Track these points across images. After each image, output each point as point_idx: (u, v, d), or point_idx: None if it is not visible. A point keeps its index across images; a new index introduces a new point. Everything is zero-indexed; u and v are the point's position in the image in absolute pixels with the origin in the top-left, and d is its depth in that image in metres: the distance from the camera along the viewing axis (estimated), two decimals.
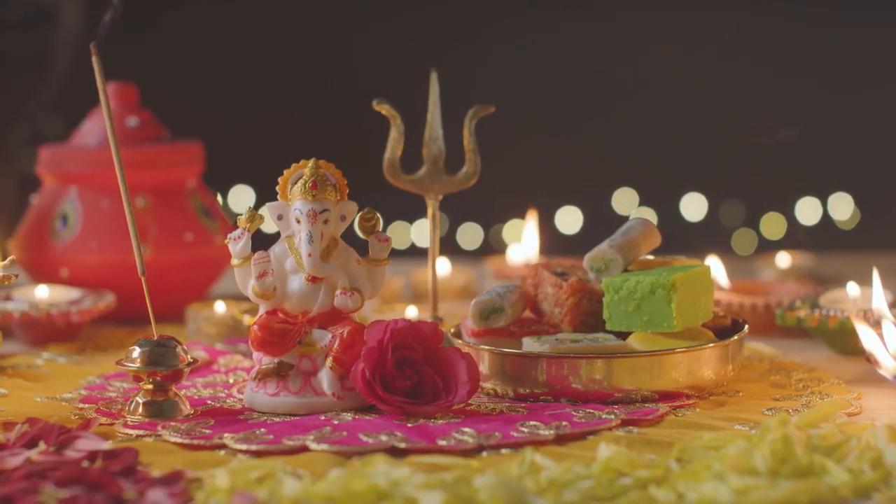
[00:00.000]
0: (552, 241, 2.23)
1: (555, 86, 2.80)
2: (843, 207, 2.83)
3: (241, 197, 2.79)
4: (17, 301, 1.65)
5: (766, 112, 2.82)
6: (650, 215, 2.84)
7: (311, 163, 1.34)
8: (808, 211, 2.83)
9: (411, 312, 1.66)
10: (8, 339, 1.62)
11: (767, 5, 2.80)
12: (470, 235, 2.83)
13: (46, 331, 1.64)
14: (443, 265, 1.93)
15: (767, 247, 2.73)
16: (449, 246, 2.70)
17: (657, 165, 2.85)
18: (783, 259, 1.99)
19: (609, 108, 2.83)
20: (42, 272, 1.76)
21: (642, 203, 2.88)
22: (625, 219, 2.84)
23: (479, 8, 2.82)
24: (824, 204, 2.84)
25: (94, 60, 1.37)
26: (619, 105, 2.84)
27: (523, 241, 2.00)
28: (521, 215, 2.81)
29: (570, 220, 2.83)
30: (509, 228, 2.82)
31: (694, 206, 2.86)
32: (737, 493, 1.08)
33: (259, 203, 2.73)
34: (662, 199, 2.87)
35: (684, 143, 2.84)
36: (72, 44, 2.73)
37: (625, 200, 2.88)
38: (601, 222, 2.83)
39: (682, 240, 2.15)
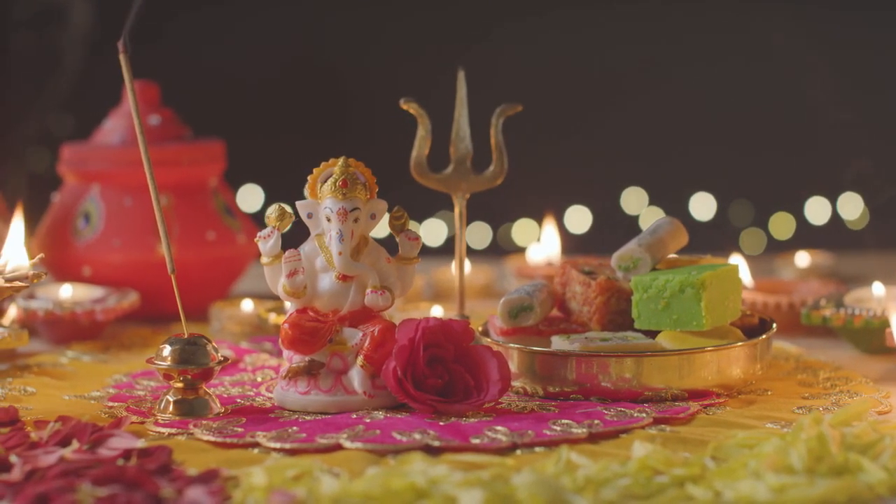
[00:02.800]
0: (562, 241, 2.23)
1: (564, 86, 2.80)
2: (852, 207, 2.83)
3: (249, 196, 2.79)
4: (41, 300, 1.65)
5: (773, 112, 2.83)
6: (659, 215, 2.85)
7: (340, 161, 1.34)
8: (817, 211, 2.83)
9: (436, 311, 1.66)
10: (32, 338, 1.61)
11: (776, 6, 2.80)
12: (479, 235, 2.83)
13: (70, 329, 1.64)
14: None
15: (776, 247, 2.73)
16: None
17: (666, 165, 2.85)
18: (802, 258, 1.99)
19: (618, 108, 2.84)
20: (64, 271, 1.76)
21: (651, 202, 2.88)
22: (634, 218, 2.86)
23: (488, 10, 2.82)
24: (833, 204, 2.84)
25: (122, 59, 1.37)
26: (628, 105, 2.84)
27: (543, 241, 2.00)
28: (530, 215, 2.82)
29: (579, 219, 2.83)
30: (519, 228, 2.82)
31: (703, 206, 2.86)
32: (775, 491, 1.08)
33: (267, 202, 2.75)
34: (671, 198, 2.87)
35: (693, 142, 2.85)
36: (81, 43, 2.73)
37: (634, 200, 2.88)
38: (610, 222, 2.84)
39: (690, 239, 2.15)
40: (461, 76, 1.49)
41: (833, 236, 2.76)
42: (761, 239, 2.87)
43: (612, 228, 2.83)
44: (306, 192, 1.35)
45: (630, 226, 2.85)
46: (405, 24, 2.82)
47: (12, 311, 1.61)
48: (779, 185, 2.85)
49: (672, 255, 1.48)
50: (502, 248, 2.77)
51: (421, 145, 1.49)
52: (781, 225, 2.86)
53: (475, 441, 1.22)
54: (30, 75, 2.78)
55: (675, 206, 2.84)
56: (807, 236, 2.78)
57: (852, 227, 2.82)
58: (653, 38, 2.83)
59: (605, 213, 2.85)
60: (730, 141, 2.85)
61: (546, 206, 2.35)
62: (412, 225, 1.38)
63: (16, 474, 1.13)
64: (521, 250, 2.61)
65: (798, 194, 2.84)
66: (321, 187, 1.34)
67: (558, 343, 1.37)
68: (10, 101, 2.78)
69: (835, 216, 2.84)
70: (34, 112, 2.77)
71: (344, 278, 1.33)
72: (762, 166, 2.84)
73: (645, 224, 2.83)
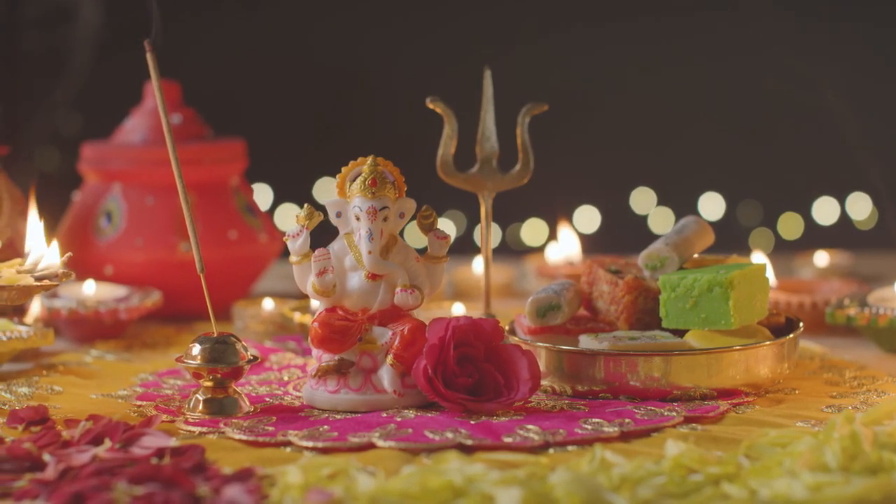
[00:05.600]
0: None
1: (573, 86, 2.81)
2: (861, 207, 2.83)
3: (258, 196, 2.79)
4: (65, 298, 1.65)
5: (781, 112, 2.83)
6: (668, 215, 2.85)
7: (369, 160, 1.34)
8: (825, 211, 2.84)
9: (458, 309, 1.66)
10: (55, 337, 1.61)
11: (784, 6, 2.81)
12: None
13: (94, 328, 1.64)
14: (481, 263, 1.93)
15: (784, 247, 2.74)
16: (467, 245, 2.71)
17: (675, 165, 2.85)
18: (821, 258, 2.00)
19: (627, 109, 2.84)
20: (86, 269, 1.76)
21: (660, 203, 2.88)
22: (643, 218, 2.86)
23: (506, 11, 2.82)
24: (842, 204, 2.84)
25: (149, 58, 1.37)
26: (637, 105, 2.84)
27: (561, 240, 2.00)
28: (540, 215, 2.82)
29: (588, 219, 2.83)
30: (528, 228, 2.83)
31: (712, 206, 2.87)
32: (811, 489, 1.08)
33: (277, 202, 2.74)
34: (680, 198, 2.88)
35: (702, 142, 2.85)
36: (90, 43, 2.73)
37: (643, 200, 2.88)
38: (619, 222, 2.84)
39: None
40: (487, 75, 1.49)
41: (842, 236, 2.76)
42: (770, 239, 2.88)
43: (621, 228, 2.83)
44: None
45: (639, 226, 2.86)
46: (430, 23, 2.82)
47: (35, 310, 1.61)
48: (787, 185, 2.85)
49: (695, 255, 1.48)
50: (511, 248, 2.77)
51: (446, 144, 1.49)
52: (790, 225, 2.87)
53: (507, 440, 1.22)
54: (39, 74, 2.78)
55: (683, 206, 2.84)
56: (815, 236, 2.78)
57: (861, 227, 2.83)
58: (662, 39, 2.83)
59: (614, 213, 2.86)
60: (738, 141, 2.85)
61: (555, 206, 2.35)
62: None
63: (49, 473, 1.13)
64: (531, 250, 2.62)
65: (807, 194, 2.85)
66: (350, 186, 1.34)
67: (586, 342, 1.37)
68: (20, 100, 2.77)
69: (843, 216, 2.84)
70: (43, 111, 2.77)
71: (373, 277, 1.33)
72: (771, 166, 2.85)
73: (653, 224, 2.84)
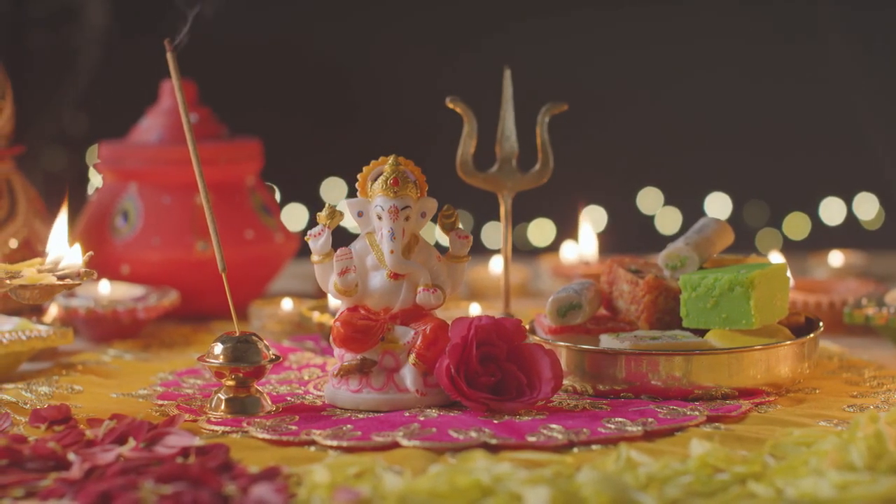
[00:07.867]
0: (578, 241, 2.23)
1: (579, 86, 2.81)
2: (867, 207, 2.84)
3: None
4: (82, 298, 1.65)
5: (787, 112, 2.83)
6: (674, 215, 2.85)
7: (391, 159, 1.34)
8: (832, 211, 2.84)
9: (476, 310, 1.66)
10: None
11: (787, 8, 2.81)
12: (496, 234, 2.83)
13: (111, 328, 1.64)
14: (498, 263, 1.93)
15: (791, 247, 2.74)
16: (477, 245, 2.71)
17: (681, 165, 2.85)
18: (836, 257, 2.00)
19: (633, 109, 2.84)
20: (102, 269, 1.76)
21: (667, 203, 2.88)
22: (650, 218, 2.86)
23: (502, 12, 2.82)
24: (849, 204, 2.85)
25: (170, 57, 1.37)
26: (643, 105, 2.85)
27: (580, 240, 2.00)
28: (546, 214, 2.82)
29: (595, 219, 2.83)
30: (534, 228, 2.83)
31: (718, 206, 2.87)
32: (838, 488, 1.08)
33: (283, 202, 2.74)
34: (686, 198, 2.88)
35: (708, 143, 2.85)
36: (96, 42, 2.73)
37: (649, 200, 2.88)
38: (626, 222, 2.84)
39: None
40: (507, 75, 1.49)
41: (849, 236, 2.77)
42: (777, 239, 2.88)
43: (629, 228, 2.83)
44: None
45: (646, 226, 2.86)
46: (446, 22, 2.82)
47: (53, 310, 1.61)
48: (794, 185, 2.85)
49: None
50: (517, 248, 2.77)
51: (466, 144, 1.49)
52: (797, 225, 2.87)
53: (531, 439, 1.22)
54: (44, 74, 2.78)
55: (690, 206, 2.85)
56: (822, 236, 2.79)
57: (868, 227, 2.83)
58: (669, 39, 2.84)
59: (621, 213, 2.86)
60: (745, 141, 2.86)
61: (562, 206, 2.34)
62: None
63: (75, 472, 1.13)
64: (538, 250, 2.62)
65: (813, 194, 2.85)
66: (372, 185, 1.34)
67: (607, 341, 1.38)
68: (27, 100, 2.77)
69: (850, 216, 2.84)
70: (48, 111, 2.77)
71: (395, 276, 1.33)
72: (777, 166, 2.85)
73: (660, 224, 2.84)
